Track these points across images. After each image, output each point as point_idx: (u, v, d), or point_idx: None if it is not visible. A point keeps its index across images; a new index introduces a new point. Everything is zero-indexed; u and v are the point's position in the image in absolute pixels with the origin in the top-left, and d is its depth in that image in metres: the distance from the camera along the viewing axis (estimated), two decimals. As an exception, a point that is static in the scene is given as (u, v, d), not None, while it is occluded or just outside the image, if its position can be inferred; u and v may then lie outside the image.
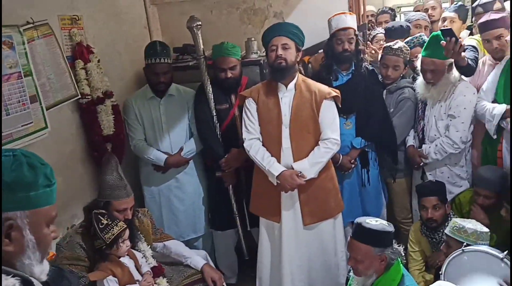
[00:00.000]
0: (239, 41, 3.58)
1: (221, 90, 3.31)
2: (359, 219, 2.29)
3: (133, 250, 2.67)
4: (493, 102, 3.05)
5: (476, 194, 2.97)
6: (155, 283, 2.61)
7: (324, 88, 3.00)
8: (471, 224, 2.55)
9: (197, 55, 3.31)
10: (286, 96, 2.97)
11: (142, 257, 2.70)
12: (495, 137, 3.00)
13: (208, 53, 3.45)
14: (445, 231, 2.65)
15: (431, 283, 2.75)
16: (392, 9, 5.25)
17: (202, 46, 3.27)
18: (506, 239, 2.62)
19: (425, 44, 3.15)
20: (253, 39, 3.71)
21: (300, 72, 3.20)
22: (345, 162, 3.23)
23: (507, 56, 3.01)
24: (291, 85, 2.96)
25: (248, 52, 3.70)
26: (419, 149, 3.27)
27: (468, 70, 3.07)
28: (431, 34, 3.15)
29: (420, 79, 3.20)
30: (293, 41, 2.88)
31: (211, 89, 3.28)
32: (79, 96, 3.00)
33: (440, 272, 2.36)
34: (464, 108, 3.06)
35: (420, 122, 3.29)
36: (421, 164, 3.26)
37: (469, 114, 3.08)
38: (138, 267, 2.60)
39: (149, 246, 2.79)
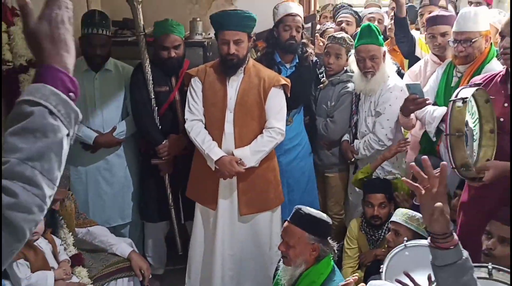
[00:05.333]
0: (183, 21, 3.40)
1: (162, 71, 3.13)
2: (299, 206, 2.27)
3: (53, 236, 2.46)
4: (433, 104, 3.09)
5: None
6: (73, 272, 2.42)
7: (274, 75, 2.93)
8: (419, 214, 2.59)
9: (136, 32, 3.09)
10: (234, 79, 2.87)
11: (61, 244, 2.49)
12: (434, 139, 3.03)
13: (149, 30, 3.25)
14: (395, 219, 2.64)
15: (362, 281, 2.77)
16: (350, 5, 5.20)
17: (142, 22, 3.07)
18: None
19: (358, 35, 3.14)
20: (198, 19, 3.55)
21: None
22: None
23: (449, 59, 3.05)
24: (242, 67, 2.86)
25: (193, 32, 3.54)
26: (351, 145, 3.26)
27: (404, 24, 3.35)
28: (362, 25, 3.22)
29: (356, 73, 3.17)
30: (246, 32, 2.78)
31: (150, 69, 3.08)
32: (-1, 62, 2.72)
33: (380, 271, 2.36)
34: (390, 105, 3.06)
35: (354, 117, 3.28)
36: (352, 160, 3.26)
37: (395, 110, 3.06)
38: (55, 253, 2.40)
39: (70, 233, 2.59)
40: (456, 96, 2.13)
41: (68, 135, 0.92)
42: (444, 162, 1.41)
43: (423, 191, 1.33)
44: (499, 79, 2.31)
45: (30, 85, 0.91)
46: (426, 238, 2.52)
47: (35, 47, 0.96)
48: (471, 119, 2.22)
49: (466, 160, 2.09)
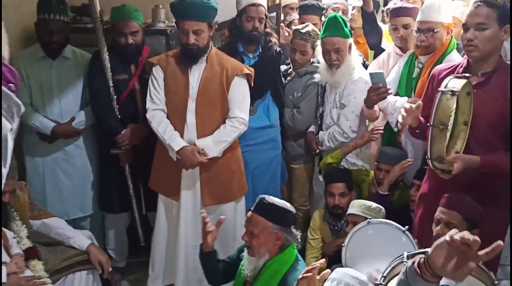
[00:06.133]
0: (145, 8, 3.31)
1: (120, 58, 3.04)
2: (262, 195, 2.26)
3: (4, 229, 2.36)
4: (395, 95, 3.11)
5: (378, 170, 3.04)
6: (27, 266, 2.33)
7: (237, 64, 2.89)
8: (374, 203, 2.67)
9: (93, 18, 2.98)
10: (196, 69, 2.82)
11: (13, 237, 2.39)
12: (396, 129, 3.06)
13: (107, 17, 3.16)
14: (351, 211, 2.67)
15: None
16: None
17: (99, 8, 2.97)
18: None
19: (324, 26, 3.12)
20: (161, 6, 3.46)
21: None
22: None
23: (411, 50, 3.08)
24: (203, 57, 2.81)
25: (155, 20, 3.44)
26: (316, 136, 3.26)
27: (372, 18, 3.39)
28: (328, 16, 3.19)
29: (322, 64, 3.17)
30: (206, 22, 2.72)
31: (107, 57, 2.98)
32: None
33: (342, 244, 2.40)
34: (354, 97, 3.06)
35: (319, 108, 3.28)
36: (317, 151, 3.27)
37: (359, 103, 3.06)
38: (7, 247, 2.30)
39: (24, 225, 2.49)
40: (445, 86, 2.10)
41: (11, 130, 0.87)
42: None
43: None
44: (460, 69, 2.33)
45: None
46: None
47: None
48: None
49: (443, 152, 2.09)
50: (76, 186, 3.21)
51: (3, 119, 0.85)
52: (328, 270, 2.01)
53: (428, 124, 2.15)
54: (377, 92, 2.87)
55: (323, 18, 3.91)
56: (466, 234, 1.13)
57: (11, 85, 0.90)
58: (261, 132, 3.24)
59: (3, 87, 0.86)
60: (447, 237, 1.15)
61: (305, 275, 1.90)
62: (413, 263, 1.25)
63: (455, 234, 1.15)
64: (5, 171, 0.87)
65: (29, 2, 3.11)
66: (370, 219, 2.45)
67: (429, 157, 2.15)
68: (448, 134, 2.13)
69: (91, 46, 3.19)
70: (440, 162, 2.12)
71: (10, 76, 0.91)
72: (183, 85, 2.81)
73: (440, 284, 1.24)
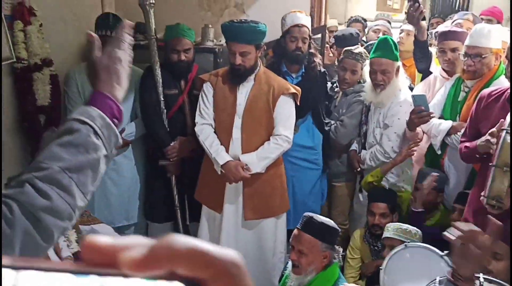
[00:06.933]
0: (195, 27, 3.45)
1: (171, 74, 3.16)
2: (308, 213, 2.29)
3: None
4: (440, 118, 3.10)
5: (415, 190, 3.00)
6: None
7: (284, 83, 2.95)
8: (410, 226, 2.63)
9: (148, 35, 3.13)
10: (244, 86, 2.90)
11: (64, 241, 2.51)
12: (439, 152, 3.04)
13: (161, 35, 3.29)
14: (386, 235, 2.65)
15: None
16: (364, 19, 5.14)
17: (154, 26, 3.10)
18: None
19: (374, 47, 3.14)
20: (210, 26, 3.60)
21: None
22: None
23: (458, 74, 3.07)
24: (252, 76, 2.89)
25: (204, 39, 3.59)
26: (358, 154, 3.27)
27: (425, 47, 3.30)
28: (379, 38, 3.19)
29: (368, 83, 3.18)
30: (253, 44, 2.80)
31: (160, 73, 3.11)
32: (14, 60, 2.76)
33: (380, 267, 2.37)
34: (398, 118, 3.06)
35: (363, 127, 3.29)
36: (358, 170, 3.27)
37: (402, 124, 3.06)
38: (57, 251, 2.41)
39: (74, 230, 2.60)
40: (510, 125, 2.05)
41: (106, 156, 1.00)
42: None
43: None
44: (507, 95, 2.31)
45: (82, 107, 1.01)
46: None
47: (93, 75, 1.07)
48: None
49: (502, 193, 2.06)
50: (123, 195, 3.32)
51: (101, 144, 0.98)
52: None
53: (490, 164, 2.10)
54: (418, 115, 2.87)
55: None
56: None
57: (115, 120, 1.03)
58: (303, 151, 3.28)
59: (107, 119, 1.00)
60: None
61: None
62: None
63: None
64: (91, 189, 0.99)
65: (87, 21, 3.29)
66: (407, 242, 2.42)
67: (486, 195, 2.10)
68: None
69: (143, 62, 3.33)
70: (498, 201, 2.08)
71: (117, 113, 1.04)
72: (231, 102, 2.89)
73: None
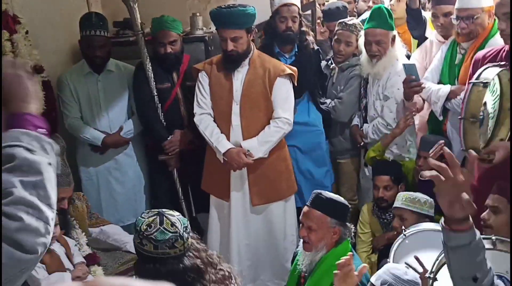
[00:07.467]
0: (183, 16, 3.41)
1: (162, 68, 3.14)
2: (317, 190, 2.29)
3: (65, 237, 2.49)
4: (438, 82, 3.05)
5: (418, 157, 2.97)
6: (89, 272, 2.45)
7: (279, 64, 2.92)
8: (420, 194, 2.59)
9: (134, 31, 3.10)
10: (239, 72, 2.88)
11: (75, 245, 2.53)
12: (441, 118, 3.00)
13: (148, 29, 3.25)
14: (397, 205, 2.63)
15: (376, 265, 2.77)
16: None
17: (139, 21, 3.07)
18: None
19: (368, 17, 3.10)
20: (198, 14, 3.54)
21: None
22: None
23: (453, 37, 3.01)
24: (246, 60, 2.86)
25: (193, 28, 3.53)
26: (361, 129, 3.24)
27: (418, 14, 3.29)
28: (373, 7, 3.15)
29: (364, 55, 3.14)
30: (243, 29, 2.76)
31: (150, 67, 3.08)
32: (4, 70, 2.75)
33: (388, 260, 2.33)
34: (398, 88, 3.02)
35: (363, 101, 3.26)
36: (361, 144, 3.24)
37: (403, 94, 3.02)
38: (69, 255, 2.43)
39: (83, 233, 2.62)
40: (477, 77, 2.06)
41: (50, 163, 1.08)
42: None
43: (443, 178, 1.22)
44: (504, 54, 2.27)
45: (6, 133, 1.08)
46: (430, 217, 2.52)
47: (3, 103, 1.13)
48: (492, 97, 2.15)
49: (476, 144, 2.06)
50: (129, 193, 3.33)
51: (38, 156, 1.06)
52: (364, 264, 1.98)
53: (459, 117, 2.12)
54: (409, 85, 2.83)
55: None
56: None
57: (40, 129, 1.10)
58: (301, 126, 3.23)
59: (31, 132, 1.08)
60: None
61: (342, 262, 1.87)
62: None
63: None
64: (54, 198, 1.08)
65: (75, 23, 3.26)
66: (404, 231, 2.34)
67: (463, 148, 2.11)
68: (493, 121, 2.08)
69: (135, 58, 3.30)
70: (476, 152, 2.07)
71: (38, 122, 1.11)
72: (227, 89, 2.87)
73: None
